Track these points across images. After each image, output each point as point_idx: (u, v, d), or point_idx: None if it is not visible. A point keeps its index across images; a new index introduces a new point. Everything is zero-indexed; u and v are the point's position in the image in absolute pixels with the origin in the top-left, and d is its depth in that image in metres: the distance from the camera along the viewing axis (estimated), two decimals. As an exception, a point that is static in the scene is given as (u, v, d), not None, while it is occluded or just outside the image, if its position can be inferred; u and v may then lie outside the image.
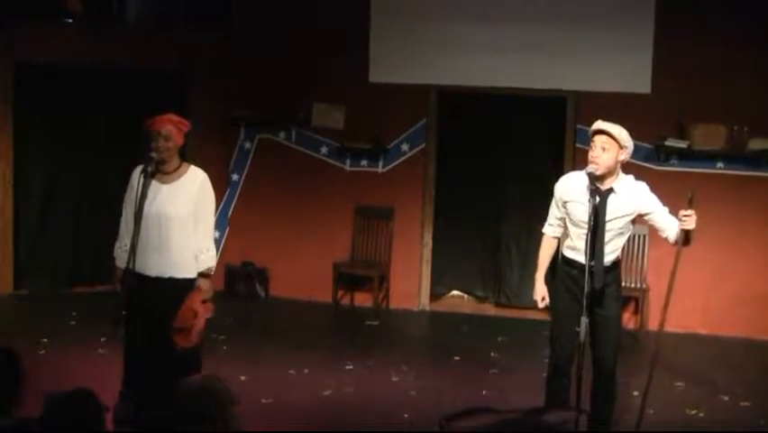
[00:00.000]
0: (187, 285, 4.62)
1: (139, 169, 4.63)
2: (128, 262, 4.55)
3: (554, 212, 4.88)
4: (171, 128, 4.60)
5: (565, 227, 4.83)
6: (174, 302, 4.55)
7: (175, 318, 4.53)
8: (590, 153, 4.65)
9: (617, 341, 4.78)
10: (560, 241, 4.89)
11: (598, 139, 4.61)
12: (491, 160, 8.21)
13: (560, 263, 4.85)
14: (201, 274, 4.65)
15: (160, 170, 4.63)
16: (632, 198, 4.70)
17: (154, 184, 4.61)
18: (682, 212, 4.59)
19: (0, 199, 7.96)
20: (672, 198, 7.66)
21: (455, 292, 8.42)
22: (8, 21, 7.70)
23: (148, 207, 4.58)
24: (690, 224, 4.61)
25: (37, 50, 7.77)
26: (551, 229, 4.93)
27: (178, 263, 4.61)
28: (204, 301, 4.62)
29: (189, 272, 4.64)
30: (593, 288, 4.51)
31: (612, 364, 4.77)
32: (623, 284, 7.45)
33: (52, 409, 3.22)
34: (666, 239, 4.81)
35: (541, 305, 4.94)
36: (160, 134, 4.58)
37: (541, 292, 4.90)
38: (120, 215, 4.88)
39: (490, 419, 5.20)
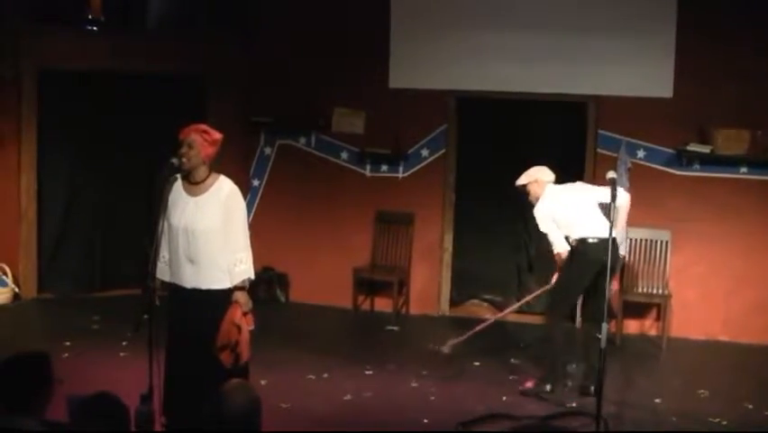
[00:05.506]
0: (222, 296, 4.58)
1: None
2: (150, 267, 4.57)
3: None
4: (196, 137, 4.59)
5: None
6: (211, 314, 4.54)
7: (218, 336, 4.52)
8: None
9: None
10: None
11: None
12: (512, 165, 8.15)
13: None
14: (237, 287, 4.59)
15: (188, 180, 4.63)
16: None
17: (184, 196, 4.61)
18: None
19: (24, 205, 8.04)
20: (694, 204, 7.65)
21: (475, 301, 8.41)
22: (31, 29, 7.79)
23: (177, 219, 4.59)
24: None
25: (60, 58, 7.85)
26: None
27: (211, 276, 4.58)
28: (244, 314, 4.59)
29: (224, 284, 4.59)
30: None
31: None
32: (645, 290, 7.49)
33: (77, 413, 3.26)
34: None
35: None
36: (185, 142, 4.59)
37: None
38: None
39: (507, 424, 5.20)
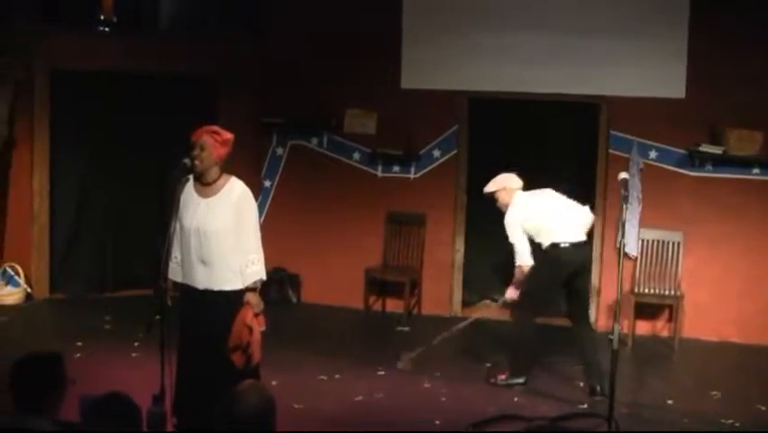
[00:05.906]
0: (234, 297, 4.59)
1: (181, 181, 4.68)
2: (162, 268, 4.59)
3: None
4: (207, 138, 4.61)
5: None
6: (223, 315, 4.55)
7: (230, 337, 4.52)
8: None
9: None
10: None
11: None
12: (523, 166, 8.15)
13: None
14: (249, 288, 4.59)
15: (200, 181, 4.65)
16: None
17: (195, 197, 4.64)
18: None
19: (36, 205, 8.07)
20: (706, 205, 7.62)
21: (487, 302, 8.38)
22: (43, 30, 7.82)
23: (189, 221, 4.61)
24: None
25: (72, 59, 7.88)
26: None
27: (222, 277, 4.59)
28: (256, 315, 4.60)
29: (236, 285, 4.60)
30: None
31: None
32: (657, 291, 7.43)
33: (89, 413, 3.27)
34: None
35: None
36: (197, 144, 4.61)
37: None
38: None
39: (518, 425, 5.19)
